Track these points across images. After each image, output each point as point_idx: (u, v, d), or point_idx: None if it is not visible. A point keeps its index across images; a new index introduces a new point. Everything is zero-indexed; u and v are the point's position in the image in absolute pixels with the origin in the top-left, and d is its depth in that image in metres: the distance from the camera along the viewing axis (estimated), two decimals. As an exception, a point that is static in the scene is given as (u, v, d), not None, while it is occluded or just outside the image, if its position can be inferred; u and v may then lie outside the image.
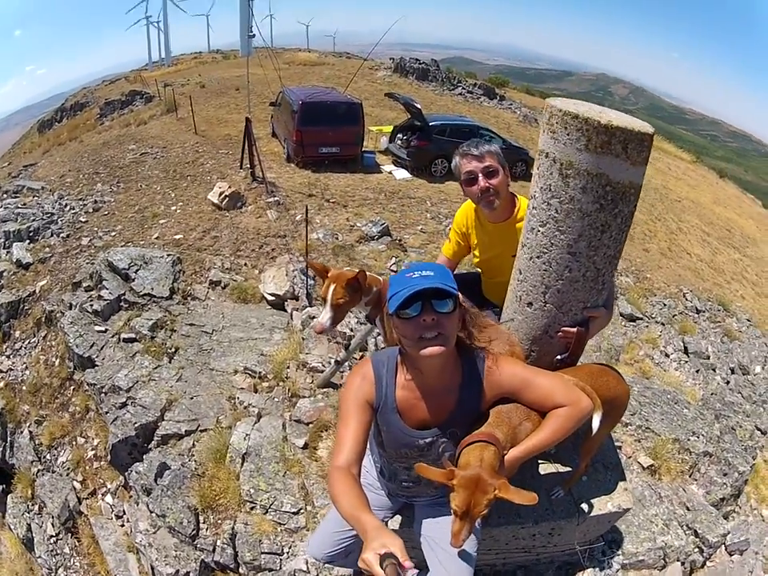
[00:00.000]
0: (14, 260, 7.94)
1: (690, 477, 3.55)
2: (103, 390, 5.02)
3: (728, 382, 6.63)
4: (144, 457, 4.31)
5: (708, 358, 7.30)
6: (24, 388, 6.21)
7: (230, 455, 4.04)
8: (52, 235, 8.56)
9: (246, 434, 4.16)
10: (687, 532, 3.24)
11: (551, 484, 2.49)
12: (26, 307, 7.09)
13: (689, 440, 3.84)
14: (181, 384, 5.01)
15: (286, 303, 6.41)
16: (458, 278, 2.83)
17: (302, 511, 3.57)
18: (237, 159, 11.98)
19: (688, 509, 3.39)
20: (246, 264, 7.73)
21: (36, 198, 10.61)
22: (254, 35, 10.89)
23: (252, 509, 3.64)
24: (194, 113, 15.77)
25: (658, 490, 3.41)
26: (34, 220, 8.98)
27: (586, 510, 2.44)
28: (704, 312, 9.54)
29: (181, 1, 50.43)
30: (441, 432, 1.88)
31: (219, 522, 3.68)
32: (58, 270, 7.59)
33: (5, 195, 11.12)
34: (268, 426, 4.22)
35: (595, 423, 2.01)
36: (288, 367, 4.86)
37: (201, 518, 3.75)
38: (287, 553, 3.41)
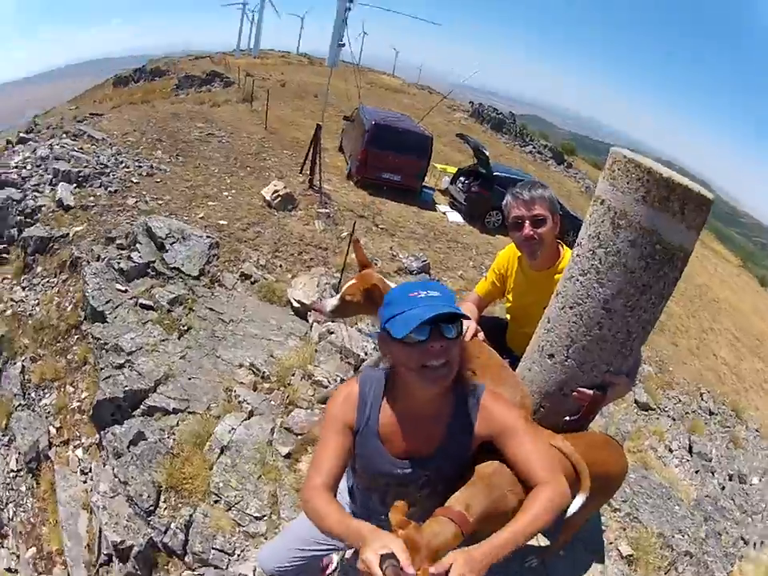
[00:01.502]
0: (57, 198, 8.36)
1: (665, 574, 3.51)
2: (105, 347, 5.26)
3: (723, 488, 6.72)
4: (125, 422, 4.48)
5: (710, 460, 7.40)
6: (29, 322, 6.49)
7: (209, 443, 4.18)
8: (100, 186, 8.98)
9: (233, 428, 4.29)
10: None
11: (527, 551, 2.48)
12: (54, 246, 7.44)
13: (673, 537, 3.82)
14: (183, 362, 5.22)
15: (309, 313, 6.57)
16: (484, 320, 2.92)
17: (265, 518, 3.65)
18: (299, 163, 12.51)
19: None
20: (281, 266, 7.99)
21: (94, 146, 11.16)
22: (343, 44, 11.41)
23: (216, 502, 3.75)
24: (269, 108, 16.51)
25: (631, 581, 3.42)
26: (86, 166, 9.46)
27: None
28: (716, 415, 9.69)
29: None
30: (424, 465, 1.80)
31: (179, 505, 3.81)
32: (97, 221, 7.95)
33: (64, 135, 11.72)
34: (256, 426, 4.35)
35: (574, 506, 1.94)
36: (293, 374, 4.99)
37: (162, 497, 3.89)
38: (238, 555, 3.49)
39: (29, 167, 9.56)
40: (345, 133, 16.61)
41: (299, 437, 4.24)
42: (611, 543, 3.44)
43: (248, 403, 4.68)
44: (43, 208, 8.11)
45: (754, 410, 11.77)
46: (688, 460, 7.09)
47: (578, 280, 2.08)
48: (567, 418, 2.25)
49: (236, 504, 3.71)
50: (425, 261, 9.37)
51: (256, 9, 52.65)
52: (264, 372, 5.15)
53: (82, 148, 10.82)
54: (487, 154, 14.02)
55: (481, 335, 2.45)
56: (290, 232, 9.05)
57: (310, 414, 4.47)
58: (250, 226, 8.88)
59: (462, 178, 14.91)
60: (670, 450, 7.20)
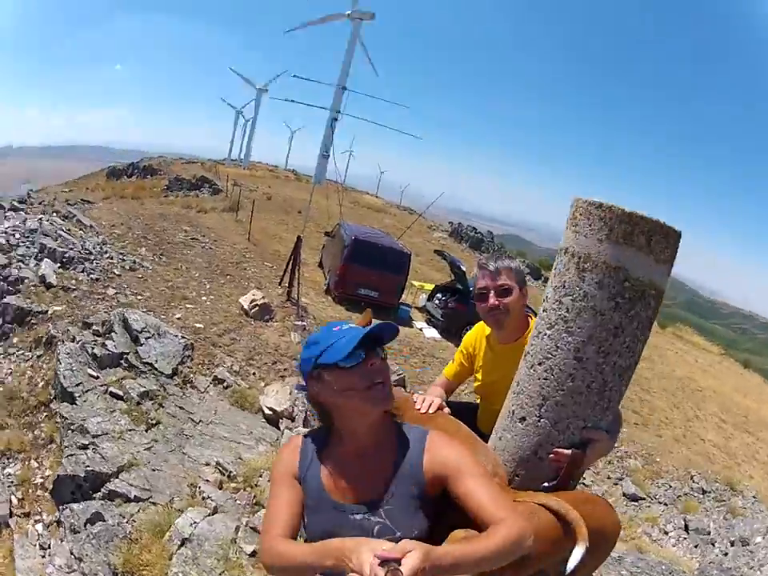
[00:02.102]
0: (40, 274, 8.56)
1: None
2: (72, 427, 5.29)
3: (726, 554, 6.70)
4: (84, 502, 4.47)
5: (709, 533, 7.41)
6: (1, 389, 6.45)
7: (169, 534, 4.14)
8: (83, 271, 9.23)
9: (195, 522, 4.27)
10: None
11: None
12: (32, 321, 7.54)
13: None
14: (148, 454, 5.26)
15: (281, 420, 6.66)
16: (452, 405, 2.96)
17: (226, 614, 3.59)
18: (278, 275, 12.98)
19: None
20: (254, 373, 8.16)
21: (82, 231, 11.50)
22: (327, 155, 12.14)
23: (174, 595, 3.69)
24: (253, 220, 17.28)
25: None
26: (71, 249, 9.75)
27: None
28: (710, 493, 9.67)
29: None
30: (375, 508, 1.71)
31: (136, 593, 3.74)
32: (76, 304, 8.13)
33: (55, 213, 12.08)
34: (220, 523, 4.33)
35: (574, 558, 1.73)
36: (261, 476, 5.05)
37: (117, 581, 3.82)
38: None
39: (17, 236, 9.83)
40: (325, 249, 17.20)
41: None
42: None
43: (212, 500, 4.69)
44: (26, 280, 8.27)
45: (749, 480, 11.76)
46: (685, 538, 7.18)
47: (545, 335, 2.01)
48: (546, 484, 2.05)
49: (194, 598, 3.65)
50: (401, 374, 9.49)
51: (249, 119, 55.89)
52: (231, 472, 5.19)
53: (70, 230, 11.18)
54: (464, 269, 14.56)
55: (446, 410, 2.39)
56: (265, 341, 9.26)
57: (276, 516, 4.47)
58: (226, 332, 9.10)
59: (438, 295, 15.37)
60: (665, 533, 7.33)
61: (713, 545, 7.08)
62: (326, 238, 16.97)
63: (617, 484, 9.08)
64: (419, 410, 2.17)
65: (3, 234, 9.64)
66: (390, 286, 14.27)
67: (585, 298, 1.87)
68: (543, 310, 2.05)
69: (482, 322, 2.86)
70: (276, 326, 10.19)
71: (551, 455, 2.00)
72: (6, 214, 11.81)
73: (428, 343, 13.30)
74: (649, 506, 8.29)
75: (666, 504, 8.57)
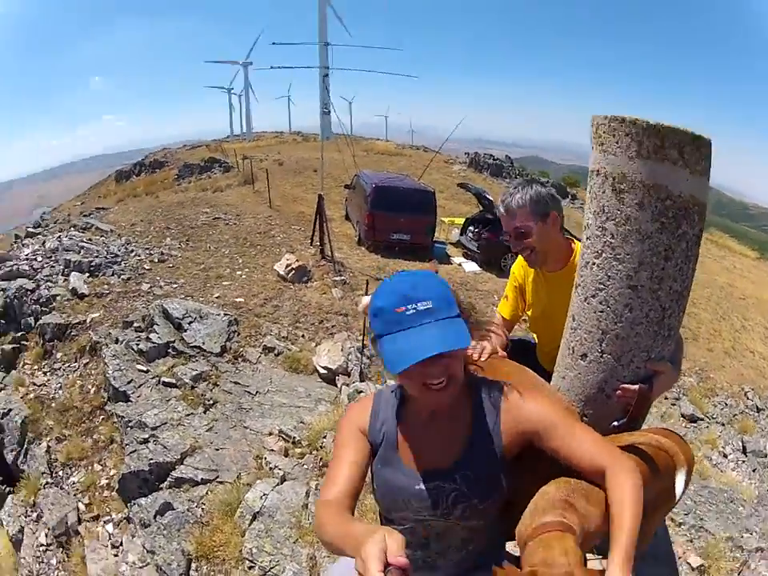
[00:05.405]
0: (71, 287, 8.59)
1: (738, 575, 3.36)
2: (130, 424, 5.28)
3: None
4: (151, 494, 4.47)
5: (765, 456, 7.36)
6: (53, 405, 6.57)
7: (240, 510, 4.09)
8: (113, 274, 9.22)
9: (264, 494, 4.19)
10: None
11: None
12: (72, 333, 7.58)
13: (742, 537, 3.72)
14: (209, 434, 5.21)
15: (337, 378, 6.60)
16: (513, 343, 2.70)
17: (304, 581, 3.52)
18: (308, 236, 12.80)
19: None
20: (303, 335, 8.07)
21: (103, 237, 11.53)
22: (329, 111, 11.84)
23: (250, 568, 3.63)
24: (271, 187, 17.07)
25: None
26: (97, 256, 9.75)
27: None
28: (764, 410, 9.59)
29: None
30: (450, 475, 1.62)
31: (211, 573, 3.72)
32: (113, 307, 8.13)
33: (72, 228, 12.13)
34: (290, 491, 4.25)
35: (680, 484, 1.74)
36: (325, 437, 4.94)
37: (193, 565, 3.81)
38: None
39: (39, 259, 9.90)
40: (348, 201, 17.10)
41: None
42: (680, 557, 3.32)
43: (279, 469, 4.60)
44: (58, 297, 8.31)
45: None
46: (744, 461, 7.15)
47: (594, 264, 1.94)
48: (615, 423, 2.03)
49: (271, 569, 3.58)
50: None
51: (242, 93, 55.54)
52: (294, 437, 5.10)
53: (90, 239, 11.20)
54: (490, 198, 14.23)
55: (501, 354, 2.30)
56: (308, 302, 9.16)
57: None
58: (268, 301, 9.01)
59: (471, 227, 15.13)
60: (725, 456, 7.26)
61: (771, 469, 7.04)
62: (348, 191, 16.82)
63: (674, 404, 8.80)
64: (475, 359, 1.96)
65: (25, 261, 9.69)
66: (420, 226, 14.01)
67: (628, 222, 1.81)
68: (587, 238, 1.98)
69: None
70: (316, 285, 10.09)
71: (618, 392, 1.96)
72: (24, 242, 11.91)
73: (469, 277, 12.99)
74: (707, 426, 8.09)
75: (723, 424, 8.38)
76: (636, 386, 1.93)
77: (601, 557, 2.15)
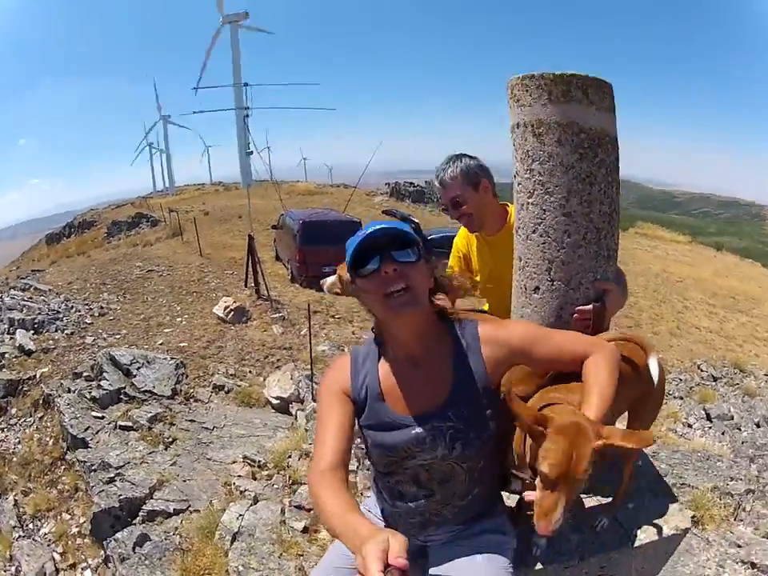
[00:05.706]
0: (17, 345, 8.49)
1: (735, 519, 3.61)
2: (93, 468, 5.30)
3: (755, 434, 6.94)
4: (125, 529, 4.48)
5: (732, 418, 7.58)
6: (14, 459, 6.45)
7: (219, 533, 4.17)
8: (56, 330, 9.16)
9: (240, 515, 4.30)
10: (743, 566, 3.30)
11: (593, 517, 2.20)
12: (24, 388, 7.49)
13: (728, 485, 3.93)
14: (175, 468, 5.31)
15: (290, 405, 6.76)
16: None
17: (294, 592, 3.62)
18: (241, 279, 13.03)
19: (740, 546, 3.43)
20: (250, 371, 8.24)
21: (42, 297, 11.37)
22: (251, 152, 12.12)
23: (241, 585, 3.73)
24: (199, 237, 17.27)
25: (705, 537, 3.49)
26: (39, 314, 9.65)
27: (640, 537, 2.16)
28: (721, 378, 10.08)
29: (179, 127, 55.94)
30: (443, 414, 1.67)
31: (202, 598, 3.78)
32: (60, 361, 8.10)
33: (11, 290, 11.92)
34: (265, 510, 4.38)
35: (654, 369, 1.86)
36: (290, 457, 5.13)
37: (182, 592, 3.86)
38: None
39: (-19, 320, 9.66)
40: (277, 241, 17.43)
41: (311, 511, 4.28)
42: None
43: (250, 491, 4.74)
44: (6, 354, 8.19)
45: (756, 359, 12.23)
46: (710, 427, 7.32)
47: (528, 203, 2.14)
48: None
49: (263, 582, 3.67)
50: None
51: (162, 146, 55.29)
52: (260, 461, 5.26)
53: (31, 298, 11.06)
54: (416, 221, 14.66)
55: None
56: (250, 340, 9.34)
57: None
58: (211, 343, 9.13)
59: None
60: (689, 426, 7.45)
61: (739, 429, 7.26)
62: (275, 231, 17.17)
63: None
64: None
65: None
66: None
67: (551, 158, 2.03)
68: (518, 184, 2.18)
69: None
70: (256, 324, 10.28)
71: (575, 315, 2.12)
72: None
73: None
74: (666, 403, 8.28)
75: (681, 398, 8.73)
76: (590, 306, 2.10)
77: (594, 495, 2.31)
